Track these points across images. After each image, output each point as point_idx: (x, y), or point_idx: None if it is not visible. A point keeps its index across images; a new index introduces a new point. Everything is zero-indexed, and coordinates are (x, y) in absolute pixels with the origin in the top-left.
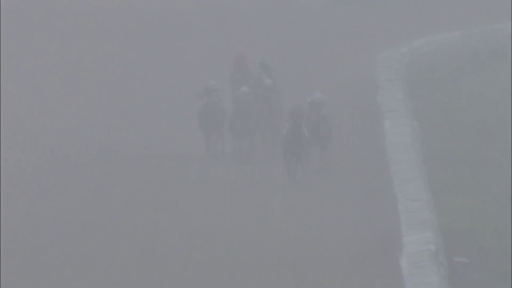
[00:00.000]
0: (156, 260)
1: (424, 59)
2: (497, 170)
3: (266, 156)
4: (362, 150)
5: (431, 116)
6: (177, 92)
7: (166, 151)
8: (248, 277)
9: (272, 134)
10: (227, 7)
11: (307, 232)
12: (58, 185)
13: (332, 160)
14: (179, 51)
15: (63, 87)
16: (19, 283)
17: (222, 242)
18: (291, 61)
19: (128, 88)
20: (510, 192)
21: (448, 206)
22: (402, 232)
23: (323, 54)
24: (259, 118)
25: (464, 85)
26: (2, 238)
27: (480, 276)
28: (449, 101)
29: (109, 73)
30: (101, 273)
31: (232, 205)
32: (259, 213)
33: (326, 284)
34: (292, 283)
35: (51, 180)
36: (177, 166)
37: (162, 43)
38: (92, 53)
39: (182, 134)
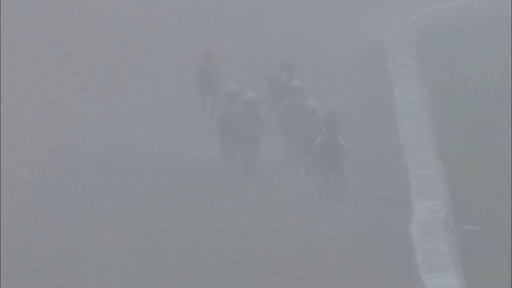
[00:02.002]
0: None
1: (434, 26)
2: (507, 138)
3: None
4: (371, 118)
5: (441, 84)
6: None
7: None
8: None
9: (301, 141)
10: None
11: (318, 206)
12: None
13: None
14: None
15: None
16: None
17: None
18: (301, 32)
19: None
20: None
21: (458, 174)
22: (412, 200)
23: (333, 24)
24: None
25: (473, 52)
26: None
27: (490, 243)
28: (459, 68)
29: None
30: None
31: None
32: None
33: (335, 250)
34: (305, 243)
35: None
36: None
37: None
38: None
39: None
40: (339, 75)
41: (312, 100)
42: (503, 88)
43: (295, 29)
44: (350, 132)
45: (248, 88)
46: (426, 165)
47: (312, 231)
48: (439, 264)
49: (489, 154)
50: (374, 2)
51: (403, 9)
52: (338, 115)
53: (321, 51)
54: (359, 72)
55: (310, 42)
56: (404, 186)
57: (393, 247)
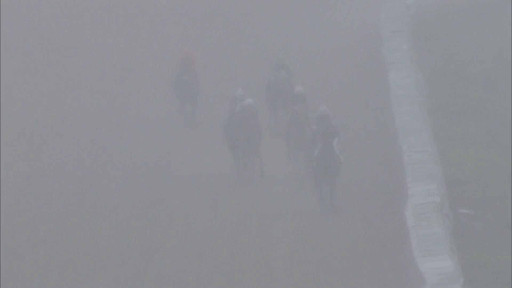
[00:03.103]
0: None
1: (429, 10)
2: (501, 121)
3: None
4: (366, 102)
5: (435, 68)
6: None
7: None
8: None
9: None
10: None
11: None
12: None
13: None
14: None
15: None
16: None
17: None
18: (295, 18)
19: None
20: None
21: (452, 158)
22: (407, 183)
23: (327, 8)
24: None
25: (468, 36)
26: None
27: (485, 227)
28: (454, 52)
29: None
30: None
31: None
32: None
33: (330, 234)
34: (298, 227)
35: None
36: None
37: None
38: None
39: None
40: (334, 60)
41: (323, 106)
42: (497, 72)
43: (291, 18)
44: (345, 117)
45: (239, 88)
46: (421, 149)
47: (306, 214)
48: (434, 248)
49: (484, 138)
50: None
51: None
52: (332, 119)
53: (315, 37)
54: (353, 57)
55: (304, 28)
56: (399, 170)
57: (388, 231)
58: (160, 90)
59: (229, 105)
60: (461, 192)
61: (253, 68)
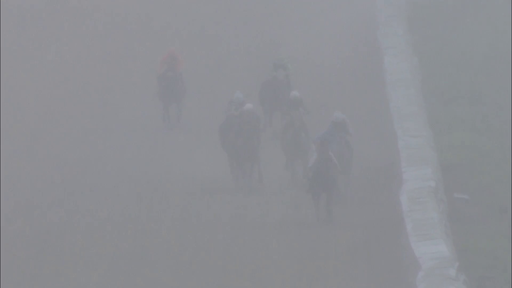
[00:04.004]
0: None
1: None
2: (497, 105)
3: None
4: (362, 87)
5: (431, 52)
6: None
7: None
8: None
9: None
10: None
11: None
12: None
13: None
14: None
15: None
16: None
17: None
18: (291, 2)
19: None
20: (511, 128)
21: (448, 143)
22: (402, 168)
23: None
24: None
25: (464, 21)
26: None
27: (479, 211)
28: (449, 37)
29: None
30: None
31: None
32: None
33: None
34: (294, 212)
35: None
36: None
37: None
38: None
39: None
40: (329, 45)
41: (338, 112)
42: (493, 56)
43: (286, 2)
44: (340, 102)
45: (237, 91)
46: (416, 134)
47: (302, 199)
48: (429, 233)
49: (479, 123)
50: None
51: None
52: (344, 116)
53: (311, 22)
54: (349, 42)
55: (300, 13)
56: (394, 155)
57: (383, 216)
58: (152, 90)
59: (226, 108)
60: (456, 176)
61: (251, 62)
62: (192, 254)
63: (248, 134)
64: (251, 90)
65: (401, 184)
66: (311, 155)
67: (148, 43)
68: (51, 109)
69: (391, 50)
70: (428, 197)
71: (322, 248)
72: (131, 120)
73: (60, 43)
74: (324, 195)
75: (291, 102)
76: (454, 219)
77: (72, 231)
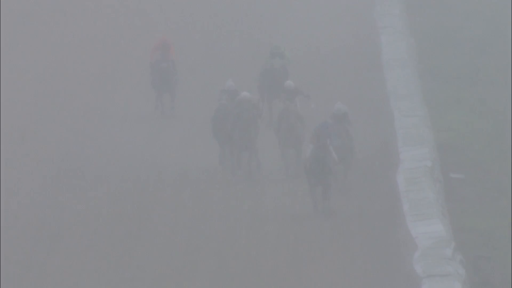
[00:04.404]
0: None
1: None
2: (494, 86)
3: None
4: (357, 67)
5: (427, 32)
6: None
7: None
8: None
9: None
10: None
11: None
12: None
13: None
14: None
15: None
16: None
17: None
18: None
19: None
20: (511, 109)
21: (444, 122)
22: (399, 148)
23: None
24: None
25: (460, 1)
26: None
27: (475, 191)
28: (446, 17)
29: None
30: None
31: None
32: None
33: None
34: (289, 194)
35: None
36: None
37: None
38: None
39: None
40: (325, 24)
41: (339, 104)
42: (490, 36)
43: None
44: (336, 83)
45: (229, 79)
46: (412, 113)
47: (297, 178)
48: (425, 212)
49: (475, 103)
50: None
51: None
52: (345, 108)
53: (308, 2)
54: (345, 21)
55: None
56: (391, 135)
57: (380, 196)
58: (145, 80)
59: (219, 97)
60: (452, 156)
61: (246, 48)
62: (187, 244)
63: (246, 123)
64: (245, 78)
65: (397, 164)
66: (306, 145)
67: (141, 33)
68: (46, 103)
69: (387, 30)
70: (424, 177)
71: (318, 231)
72: (125, 110)
73: (55, 35)
74: (321, 187)
75: (285, 92)
76: (451, 198)
77: (67, 226)
